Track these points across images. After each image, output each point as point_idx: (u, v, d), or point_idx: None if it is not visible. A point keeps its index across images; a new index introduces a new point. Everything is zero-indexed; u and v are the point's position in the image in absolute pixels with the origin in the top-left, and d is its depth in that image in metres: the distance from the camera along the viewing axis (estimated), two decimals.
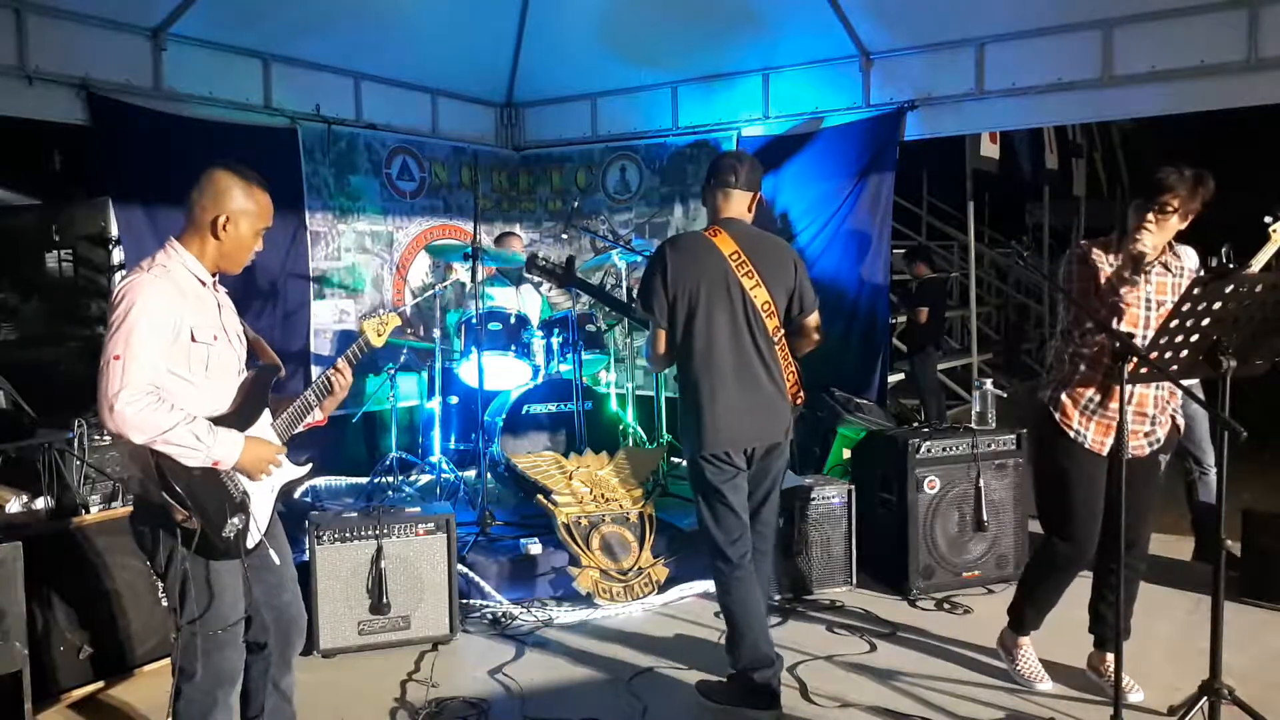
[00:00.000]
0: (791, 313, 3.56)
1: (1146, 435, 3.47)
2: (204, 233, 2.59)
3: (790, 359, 3.53)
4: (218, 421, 2.57)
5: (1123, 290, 3.27)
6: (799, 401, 3.60)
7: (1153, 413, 3.46)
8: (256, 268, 5.75)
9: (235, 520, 2.58)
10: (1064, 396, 3.48)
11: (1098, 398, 3.43)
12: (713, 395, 3.40)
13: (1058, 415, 3.47)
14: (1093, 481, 3.46)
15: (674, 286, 3.44)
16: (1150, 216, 3.25)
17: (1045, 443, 3.56)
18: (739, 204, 3.56)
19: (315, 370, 6.02)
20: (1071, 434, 3.45)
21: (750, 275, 3.42)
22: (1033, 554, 3.81)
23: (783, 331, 3.50)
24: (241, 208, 2.60)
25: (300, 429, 2.84)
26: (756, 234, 3.57)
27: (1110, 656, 3.58)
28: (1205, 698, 3.03)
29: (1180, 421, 3.60)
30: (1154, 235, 3.26)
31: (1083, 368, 3.45)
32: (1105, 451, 3.45)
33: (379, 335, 2.92)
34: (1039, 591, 3.67)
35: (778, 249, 3.59)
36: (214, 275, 2.68)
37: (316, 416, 2.88)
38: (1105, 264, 3.38)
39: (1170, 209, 3.26)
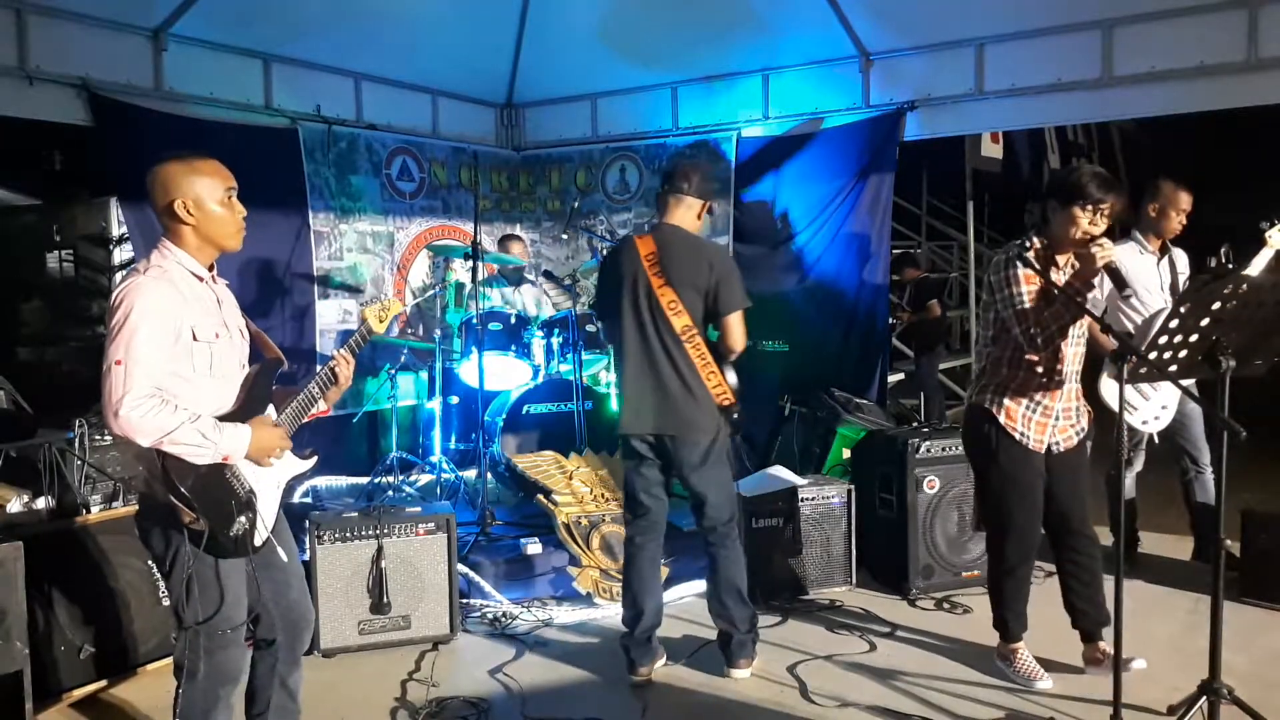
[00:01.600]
0: (710, 313, 3.70)
1: (1073, 427, 3.62)
2: (175, 224, 2.57)
3: (706, 358, 3.66)
4: (223, 419, 2.57)
5: (1084, 302, 3.30)
6: (724, 403, 3.68)
7: (1076, 404, 3.61)
8: (264, 267, 5.77)
9: (242, 519, 2.59)
10: (1007, 399, 3.55)
11: (1038, 397, 3.53)
12: (623, 384, 3.80)
13: (1002, 417, 3.54)
14: (1034, 479, 3.60)
15: (604, 283, 3.91)
16: (1096, 220, 3.36)
17: (987, 445, 3.61)
18: (686, 210, 3.78)
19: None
20: (1016, 435, 3.54)
21: (659, 275, 3.67)
22: (987, 564, 3.85)
23: (694, 330, 3.65)
24: (192, 183, 2.57)
25: (303, 422, 2.84)
26: (683, 236, 3.76)
27: (1101, 645, 3.65)
28: (1205, 697, 3.04)
29: (1164, 420, 3.66)
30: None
31: (1027, 370, 3.51)
32: (1043, 449, 3.57)
33: (380, 321, 2.92)
34: (1006, 594, 3.72)
35: (695, 251, 3.74)
36: (211, 268, 2.66)
37: (321, 406, 2.88)
38: (1055, 270, 3.44)
39: (1107, 213, 3.37)
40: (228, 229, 2.63)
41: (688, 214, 3.78)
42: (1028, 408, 3.53)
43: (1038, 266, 3.35)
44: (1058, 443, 3.58)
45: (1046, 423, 3.55)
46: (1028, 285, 3.42)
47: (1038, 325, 3.38)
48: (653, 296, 3.67)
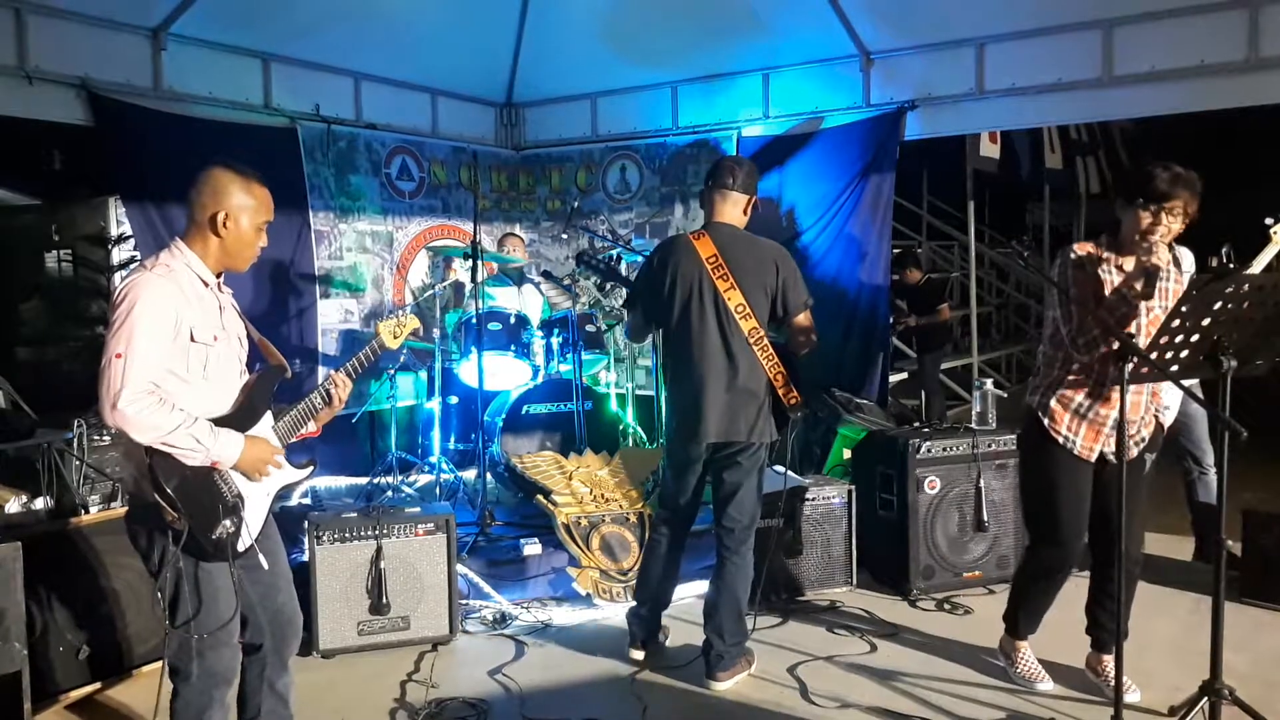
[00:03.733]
0: (776, 314, 3.65)
1: (1131, 437, 3.43)
2: (205, 231, 2.60)
3: (774, 360, 3.62)
4: (218, 423, 2.57)
5: (1136, 303, 3.20)
6: (792, 402, 3.65)
7: (1139, 414, 3.42)
8: (266, 266, 5.77)
9: (227, 523, 2.57)
10: (1053, 402, 3.43)
11: (1088, 403, 3.38)
12: (687, 390, 3.67)
13: (1047, 421, 3.43)
14: (1080, 487, 3.44)
15: (654, 284, 3.74)
16: (1163, 221, 3.20)
17: (1033, 448, 3.53)
18: (733, 207, 3.70)
19: (322, 371, 6.02)
20: (1060, 440, 3.41)
21: (725, 278, 3.59)
22: (1020, 560, 3.82)
23: (761, 333, 3.60)
24: (241, 203, 2.60)
25: (294, 439, 2.83)
26: (741, 237, 3.68)
27: (1107, 658, 3.58)
28: (1206, 698, 3.03)
29: (1164, 420, 3.58)
30: (1163, 244, 3.21)
31: (1074, 373, 3.39)
32: (1093, 457, 3.42)
33: (395, 338, 2.90)
34: (1029, 597, 3.67)
35: (759, 251, 3.67)
36: (219, 276, 2.67)
37: (311, 428, 2.87)
38: (1108, 272, 3.31)
39: (1178, 212, 3.21)
40: (248, 254, 2.68)
41: (734, 210, 3.72)
42: (1076, 411, 3.39)
43: (1088, 267, 3.25)
44: (1114, 452, 3.35)
45: (1100, 430, 3.38)
46: (1075, 284, 3.30)
47: (1079, 329, 3.26)
48: (720, 300, 3.60)
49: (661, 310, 3.74)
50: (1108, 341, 3.24)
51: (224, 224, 2.59)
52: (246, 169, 2.65)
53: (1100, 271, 3.32)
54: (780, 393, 3.64)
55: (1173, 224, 3.22)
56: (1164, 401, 3.96)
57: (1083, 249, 3.38)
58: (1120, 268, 3.32)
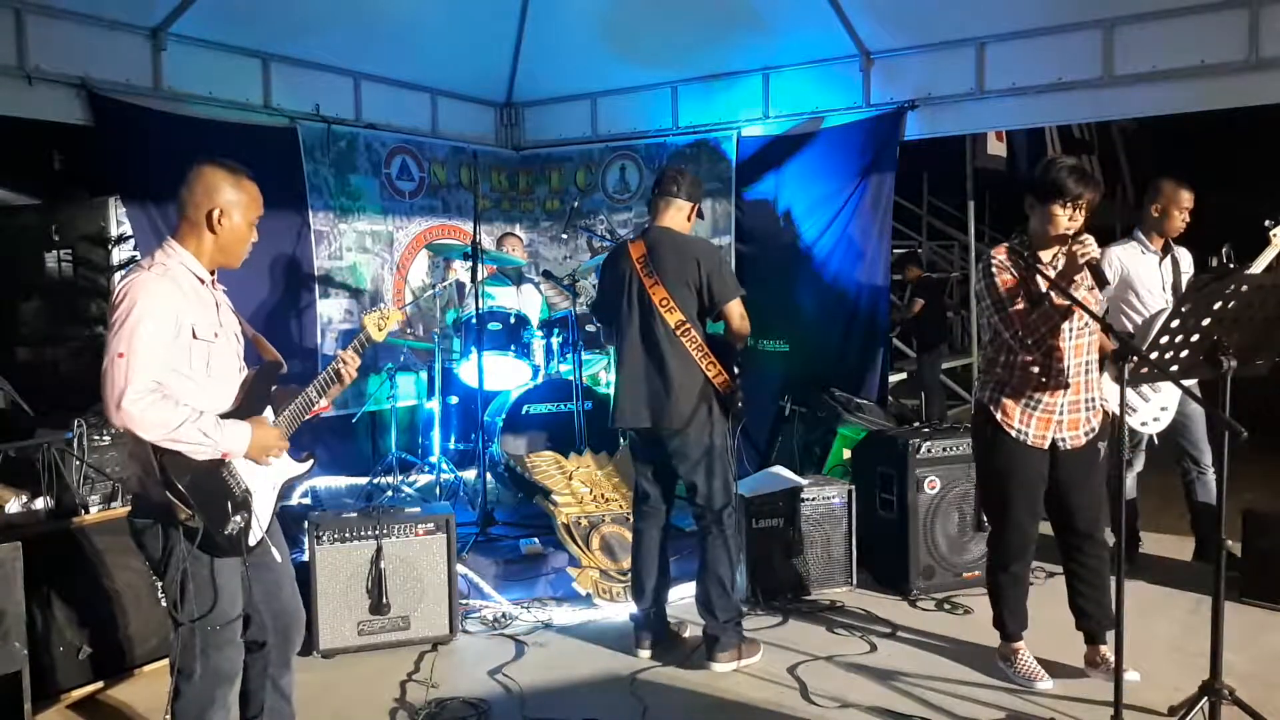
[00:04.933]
0: (705, 307, 3.84)
1: (1084, 424, 3.55)
2: (199, 229, 2.61)
3: (703, 349, 3.80)
4: (221, 418, 2.58)
5: (1072, 295, 3.27)
6: (724, 388, 3.82)
7: (1086, 398, 3.53)
8: (266, 266, 5.77)
9: (238, 518, 2.60)
10: (1003, 396, 3.53)
11: (1037, 394, 3.49)
12: (619, 381, 3.95)
13: (999, 415, 3.53)
14: (1031, 476, 3.56)
15: (603, 286, 4.10)
16: (1075, 216, 3.35)
17: (986, 442, 3.62)
18: (677, 212, 3.94)
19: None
20: (1013, 433, 3.51)
21: (650, 275, 3.83)
22: (986, 560, 3.89)
23: (688, 325, 3.79)
24: (232, 199, 2.62)
25: (303, 420, 2.84)
26: (670, 237, 3.90)
27: (1103, 648, 3.62)
28: (1206, 698, 3.03)
29: (1111, 408, 3.64)
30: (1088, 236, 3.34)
31: (1021, 367, 3.49)
32: (1046, 445, 3.52)
33: (379, 330, 2.92)
34: (1004, 592, 3.72)
35: (683, 249, 3.88)
36: (213, 273, 2.68)
37: (321, 403, 2.88)
38: (1034, 271, 3.40)
39: (1085, 207, 3.36)
40: (241, 249, 2.70)
41: (677, 215, 3.94)
42: (1027, 405, 3.51)
43: (1013, 271, 3.35)
44: (1064, 439, 3.52)
45: (1049, 418, 3.50)
46: (1006, 289, 3.42)
47: (1024, 328, 3.37)
48: (645, 296, 3.83)
49: (609, 309, 4.03)
50: (1055, 336, 3.38)
51: (219, 220, 2.60)
52: (235, 165, 2.66)
53: (1026, 272, 3.43)
54: (712, 379, 3.79)
55: (1080, 219, 3.38)
56: (1157, 401, 4.00)
57: (1001, 253, 3.51)
58: (1041, 262, 3.43)
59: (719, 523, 3.88)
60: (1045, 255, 3.48)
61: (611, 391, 4.12)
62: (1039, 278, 3.38)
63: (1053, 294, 3.33)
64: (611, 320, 4.04)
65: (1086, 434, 3.55)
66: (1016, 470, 3.55)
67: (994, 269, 3.45)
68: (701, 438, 3.82)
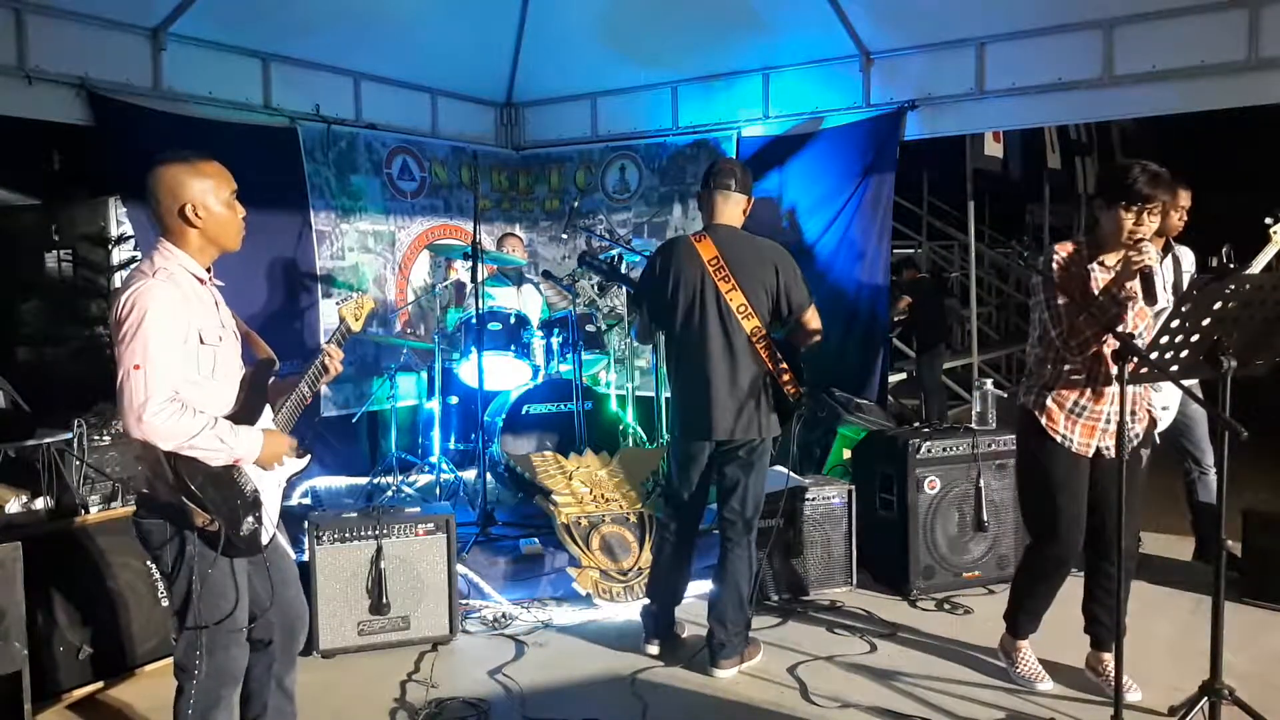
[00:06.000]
0: (780, 313, 3.73)
1: (1128, 431, 3.44)
2: (181, 227, 2.57)
3: (776, 356, 3.69)
4: (228, 420, 2.58)
5: (1125, 304, 3.22)
6: (794, 395, 3.73)
7: (1132, 409, 3.42)
8: (268, 266, 5.76)
9: (250, 518, 2.61)
10: (1049, 401, 3.43)
11: (1083, 401, 3.40)
12: (691, 389, 3.76)
13: (1042, 419, 3.43)
14: (1076, 484, 3.45)
15: (655, 285, 3.81)
16: (1144, 221, 3.22)
17: (1031, 447, 3.53)
18: (734, 208, 3.78)
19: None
20: (1057, 438, 3.42)
21: (727, 280, 3.66)
22: (1020, 560, 3.82)
23: (763, 332, 3.67)
24: (198, 188, 2.57)
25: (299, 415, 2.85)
26: (741, 237, 3.75)
27: (1107, 656, 3.59)
28: (1206, 698, 3.03)
29: (1157, 415, 3.58)
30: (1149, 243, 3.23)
31: (1067, 372, 3.40)
32: (1090, 453, 3.43)
33: (357, 319, 2.93)
34: (1030, 596, 3.67)
35: (758, 252, 3.74)
36: (209, 269, 2.66)
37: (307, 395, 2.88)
38: (1094, 273, 3.32)
39: (1158, 211, 3.24)
40: (231, 230, 2.64)
41: (735, 210, 3.79)
42: (1072, 410, 3.40)
43: (1072, 269, 3.25)
44: (1108, 447, 3.40)
45: (1095, 425, 3.40)
46: (1060, 286, 3.30)
47: (1071, 331, 3.27)
48: (722, 301, 3.67)
49: (665, 312, 3.81)
50: (1100, 342, 3.26)
51: (195, 214, 2.56)
52: (186, 153, 2.62)
53: (1085, 272, 3.34)
54: (784, 386, 3.70)
55: (1153, 223, 3.25)
56: (1158, 400, 3.94)
57: (1065, 250, 3.40)
58: (1104, 265, 3.34)
59: (748, 534, 3.81)
60: (1110, 259, 3.34)
61: (674, 400, 3.90)
62: (1092, 280, 3.30)
63: (1101, 298, 3.24)
64: (665, 322, 3.85)
65: (1130, 441, 3.39)
66: (1061, 476, 3.43)
67: (1054, 264, 3.35)
68: (764, 447, 3.77)
